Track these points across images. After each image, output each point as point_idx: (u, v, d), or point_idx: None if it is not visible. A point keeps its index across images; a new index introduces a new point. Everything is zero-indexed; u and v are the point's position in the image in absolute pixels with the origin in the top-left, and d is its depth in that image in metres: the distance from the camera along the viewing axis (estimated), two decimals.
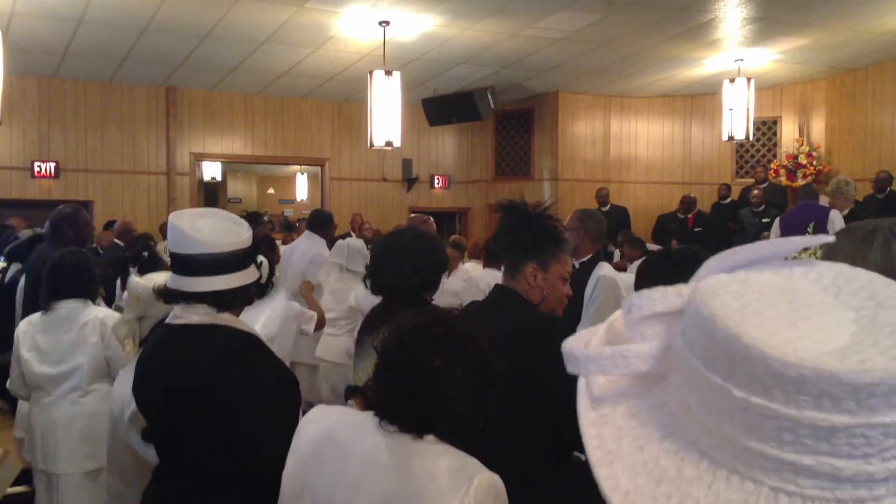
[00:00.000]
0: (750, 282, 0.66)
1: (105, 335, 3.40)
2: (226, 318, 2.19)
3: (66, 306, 3.52)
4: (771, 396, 0.59)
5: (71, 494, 3.46)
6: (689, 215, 10.71)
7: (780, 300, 0.64)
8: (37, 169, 10.16)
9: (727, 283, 0.66)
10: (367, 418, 1.68)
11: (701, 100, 11.70)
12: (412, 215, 5.63)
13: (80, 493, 3.45)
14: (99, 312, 3.52)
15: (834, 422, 0.57)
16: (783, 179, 10.79)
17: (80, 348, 3.46)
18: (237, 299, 2.22)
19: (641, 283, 2.10)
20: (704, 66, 9.92)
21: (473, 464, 1.61)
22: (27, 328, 3.59)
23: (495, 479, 1.60)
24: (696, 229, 10.43)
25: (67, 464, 3.47)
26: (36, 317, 3.61)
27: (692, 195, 10.92)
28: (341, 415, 1.77)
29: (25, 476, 3.86)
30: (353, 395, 2.23)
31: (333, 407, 1.80)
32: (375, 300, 3.17)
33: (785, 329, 0.61)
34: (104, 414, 3.01)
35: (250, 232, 2.25)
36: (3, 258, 6.54)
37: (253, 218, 7.92)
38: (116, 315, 3.04)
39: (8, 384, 3.74)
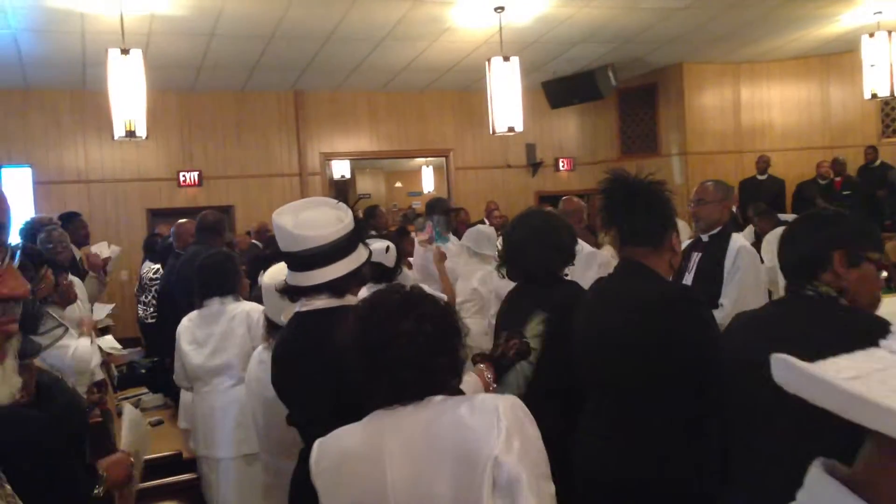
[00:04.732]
0: None
1: (251, 326, 3.62)
2: (348, 300, 2.26)
3: (216, 302, 3.76)
4: None
5: (231, 478, 3.70)
6: (838, 178, 10.13)
7: None
8: (182, 178, 10.80)
9: None
10: (372, 421, 1.72)
11: (838, 58, 11.02)
12: (564, 198, 5.70)
13: (239, 476, 3.68)
14: (245, 306, 3.74)
15: None
16: None
17: (230, 340, 3.70)
18: (352, 282, 2.29)
19: (789, 246, 2.04)
20: (840, 21, 9.34)
21: (487, 397, 1.67)
22: (187, 324, 3.87)
23: (513, 398, 1.65)
24: (844, 192, 9.88)
25: (225, 448, 3.72)
26: (194, 314, 3.89)
27: (841, 157, 10.32)
28: (344, 433, 1.76)
29: (192, 464, 4.17)
30: (481, 361, 2.31)
31: (331, 434, 1.79)
32: (506, 283, 3.21)
33: None
34: None
35: (351, 215, 2.28)
36: (157, 264, 7.04)
37: (369, 212, 8.22)
38: (261, 308, 3.22)
39: (174, 377, 4.05)
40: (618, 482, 2.37)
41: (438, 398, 1.67)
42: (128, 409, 2.71)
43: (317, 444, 1.78)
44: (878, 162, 10.42)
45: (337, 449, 1.74)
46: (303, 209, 2.30)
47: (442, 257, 5.63)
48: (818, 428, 0.82)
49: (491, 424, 1.56)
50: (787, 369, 0.74)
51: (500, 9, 7.80)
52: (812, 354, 0.78)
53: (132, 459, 2.33)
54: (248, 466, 3.62)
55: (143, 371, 5.89)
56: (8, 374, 0.86)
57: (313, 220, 2.24)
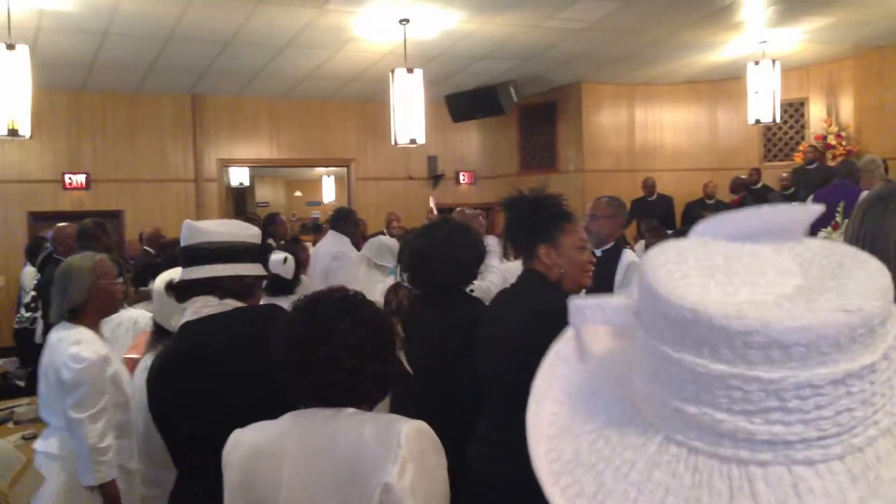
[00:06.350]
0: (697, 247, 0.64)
1: (137, 335, 3.48)
2: (248, 304, 2.23)
3: None
4: (663, 340, 0.59)
5: None
6: (737, 197, 10.48)
7: (720, 261, 0.61)
8: (68, 181, 10.32)
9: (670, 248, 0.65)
10: (285, 420, 1.69)
11: (726, 84, 11.56)
12: (458, 209, 5.67)
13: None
14: (132, 313, 3.60)
15: (711, 369, 0.55)
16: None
17: (113, 348, 3.53)
18: (238, 289, 2.24)
19: None
20: (727, 49, 9.80)
21: (396, 419, 1.63)
22: None
23: (421, 425, 1.63)
24: None
25: None
26: None
27: (742, 176, 10.66)
28: (259, 428, 1.73)
29: None
30: None
31: (249, 426, 1.74)
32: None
33: (701, 281, 0.59)
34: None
35: (258, 232, 2.34)
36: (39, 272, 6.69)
37: (269, 219, 8.18)
38: (148, 315, 3.10)
39: None
40: (497, 482, 2.40)
41: (350, 411, 1.64)
42: None
43: (234, 434, 1.74)
44: (760, 184, 10.95)
45: (248, 443, 1.70)
46: (219, 221, 2.38)
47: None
48: None
49: (389, 449, 1.55)
50: None
51: (405, 21, 7.82)
52: None
53: None
54: (130, 479, 3.45)
55: (19, 382, 5.57)
56: None
57: (220, 223, 2.29)
